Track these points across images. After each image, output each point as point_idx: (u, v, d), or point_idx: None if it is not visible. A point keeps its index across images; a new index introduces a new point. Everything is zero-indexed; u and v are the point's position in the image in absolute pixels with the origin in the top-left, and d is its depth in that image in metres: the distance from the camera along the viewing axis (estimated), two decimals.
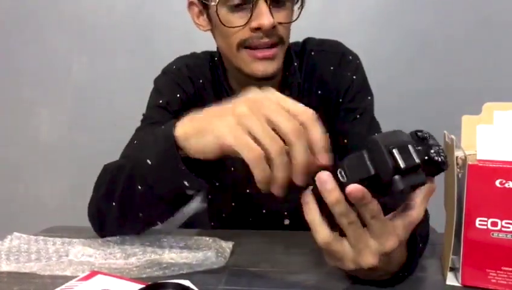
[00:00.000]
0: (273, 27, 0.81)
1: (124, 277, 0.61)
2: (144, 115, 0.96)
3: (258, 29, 0.80)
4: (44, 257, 0.69)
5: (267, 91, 0.55)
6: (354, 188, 0.45)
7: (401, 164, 0.43)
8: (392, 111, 1.05)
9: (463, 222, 0.58)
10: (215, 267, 0.67)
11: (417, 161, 0.44)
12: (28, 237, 0.77)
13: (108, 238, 0.76)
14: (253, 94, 0.54)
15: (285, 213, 1.00)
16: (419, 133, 0.48)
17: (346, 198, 0.46)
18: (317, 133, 0.50)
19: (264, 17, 0.79)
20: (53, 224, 0.89)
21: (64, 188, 1.83)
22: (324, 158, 0.50)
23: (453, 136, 0.63)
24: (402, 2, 1.53)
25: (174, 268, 0.65)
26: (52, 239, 0.76)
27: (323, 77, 0.96)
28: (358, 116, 0.94)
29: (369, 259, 0.49)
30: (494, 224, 0.56)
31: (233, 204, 1.01)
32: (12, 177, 1.86)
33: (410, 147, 0.44)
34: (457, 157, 0.60)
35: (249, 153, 0.50)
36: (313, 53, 0.98)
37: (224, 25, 0.82)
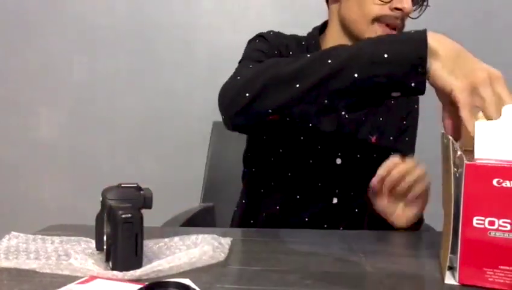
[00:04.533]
0: (407, 13, 0.91)
1: (123, 279, 0.60)
2: (243, 57, 1.00)
3: (398, 9, 0.90)
4: (44, 256, 0.68)
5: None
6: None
7: None
8: None
9: (460, 221, 0.58)
10: (214, 262, 0.67)
11: None
12: (26, 236, 0.77)
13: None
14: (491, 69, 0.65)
15: (339, 154, 1.02)
16: None
17: None
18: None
19: (408, 1, 0.90)
20: (53, 224, 0.89)
21: (64, 188, 1.83)
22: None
23: (450, 136, 0.63)
24: None
25: (173, 266, 0.64)
26: (50, 238, 0.76)
27: None
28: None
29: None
30: (492, 223, 0.56)
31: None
32: (13, 177, 1.86)
33: None
34: (454, 156, 0.60)
35: (465, 113, 0.61)
36: None
37: None
